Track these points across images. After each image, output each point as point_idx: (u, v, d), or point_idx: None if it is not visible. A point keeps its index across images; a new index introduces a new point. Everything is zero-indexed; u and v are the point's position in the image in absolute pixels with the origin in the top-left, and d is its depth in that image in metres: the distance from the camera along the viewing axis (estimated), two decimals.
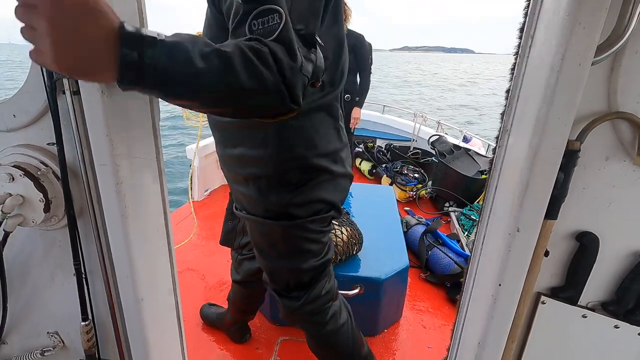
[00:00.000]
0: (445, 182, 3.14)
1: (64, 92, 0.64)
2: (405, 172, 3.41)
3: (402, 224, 2.53)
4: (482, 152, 3.44)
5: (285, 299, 1.08)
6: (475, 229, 2.52)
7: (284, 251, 1.00)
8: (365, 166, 4.01)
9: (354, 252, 1.69)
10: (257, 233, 1.02)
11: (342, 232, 1.63)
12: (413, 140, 4.27)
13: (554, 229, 0.61)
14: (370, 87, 3.17)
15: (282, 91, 0.59)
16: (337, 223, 1.66)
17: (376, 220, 2.12)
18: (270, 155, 0.88)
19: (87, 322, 0.83)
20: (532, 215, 0.56)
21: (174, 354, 0.88)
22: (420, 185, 3.36)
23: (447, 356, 0.85)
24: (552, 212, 0.59)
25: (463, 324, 0.74)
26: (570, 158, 0.56)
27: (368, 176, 3.98)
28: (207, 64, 0.51)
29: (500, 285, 0.60)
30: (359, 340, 1.24)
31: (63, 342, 0.92)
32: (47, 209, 0.71)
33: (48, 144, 0.69)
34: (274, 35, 0.58)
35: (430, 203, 3.43)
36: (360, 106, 3.12)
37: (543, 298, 0.68)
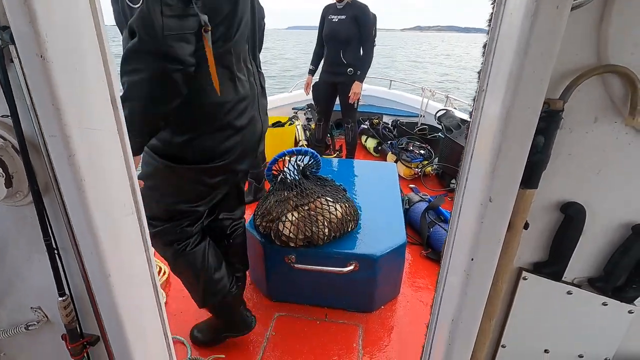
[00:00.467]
0: (452, 158, 3.04)
1: (12, 60, 0.61)
2: (411, 148, 3.32)
3: (404, 201, 2.48)
4: None
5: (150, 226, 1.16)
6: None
7: (161, 186, 1.15)
8: (371, 143, 3.92)
9: (349, 229, 1.66)
10: (151, 167, 1.14)
11: (335, 209, 1.59)
12: (420, 116, 4.14)
13: (534, 199, 0.55)
14: (372, 60, 3.05)
15: (162, 70, 0.87)
16: (331, 200, 1.63)
17: (376, 197, 2.07)
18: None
19: (64, 298, 0.82)
20: (505, 183, 0.50)
21: (153, 330, 0.88)
22: (426, 162, 3.27)
23: (427, 332, 0.82)
24: (530, 180, 0.53)
25: (440, 301, 0.71)
26: (551, 119, 0.50)
27: (374, 153, 3.90)
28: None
29: (472, 260, 0.56)
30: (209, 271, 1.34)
31: (47, 317, 0.93)
32: (8, 184, 0.69)
33: (2, 116, 0.67)
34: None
35: (436, 180, 3.35)
36: (361, 80, 3.01)
37: (525, 274, 0.64)
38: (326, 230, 1.56)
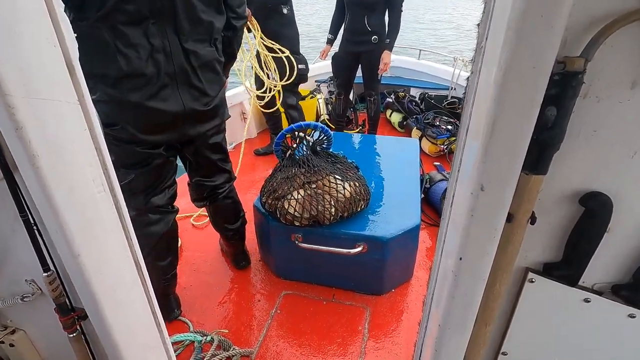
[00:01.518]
0: None
1: None
2: (437, 123, 3.11)
3: (425, 180, 2.34)
4: None
5: None
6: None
7: None
8: (396, 118, 3.73)
9: (359, 209, 1.57)
10: None
11: (344, 188, 1.50)
12: (451, 88, 3.86)
13: (542, 187, 0.44)
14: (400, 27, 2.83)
15: None
16: (340, 178, 1.54)
17: (393, 175, 1.95)
18: None
19: (48, 274, 0.81)
20: (501, 167, 0.40)
21: (135, 307, 0.86)
22: (453, 138, 3.06)
23: (417, 336, 0.74)
24: (538, 164, 0.42)
25: (430, 303, 0.62)
26: (567, 84, 0.38)
27: (398, 129, 3.71)
28: None
29: (461, 259, 0.46)
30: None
31: (40, 289, 0.94)
32: None
33: None
34: None
35: None
36: (391, 49, 2.81)
37: (531, 275, 0.53)
38: (333, 209, 1.48)
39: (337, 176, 1.55)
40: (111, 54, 1.07)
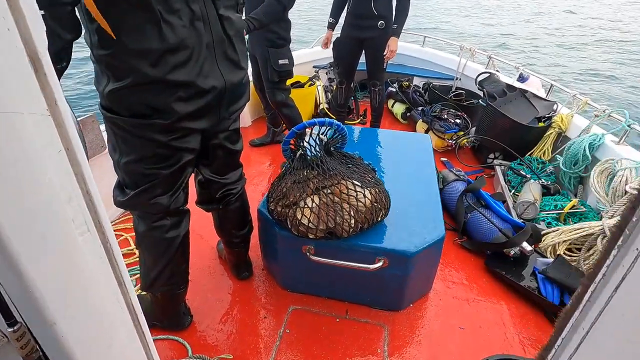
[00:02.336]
0: (493, 129, 2.68)
1: None
2: (445, 116, 2.95)
3: (438, 180, 2.19)
4: (542, 93, 2.88)
5: (120, 194, 1.12)
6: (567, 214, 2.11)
7: (115, 143, 1.05)
8: (399, 109, 3.55)
9: (379, 219, 1.41)
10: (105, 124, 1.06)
11: (364, 196, 1.33)
12: (456, 78, 3.69)
13: None
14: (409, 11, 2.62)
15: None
16: (359, 184, 1.37)
17: (408, 177, 1.79)
18: None
19: (15, 328, 0.62)
20: None
21: None
22: (462, 133, 2.92)
23: None
24: None
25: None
26: None
27: (401, 120, 3.54)
28: None
29: None
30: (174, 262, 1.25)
31: (7, 337, 0.75)
32: None
33: None
34: None
35: (470, 154, 3.01)
36: (398, 35, 2.61)
37: None
38: (352, 221, 1.31)
39: (355, 182, 1.38)
40: (154, 22, 0.88)
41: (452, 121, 2.91)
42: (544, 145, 2.55)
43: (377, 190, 1.40)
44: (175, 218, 1.18)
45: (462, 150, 2.98)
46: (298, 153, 1.48)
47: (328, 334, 1.42)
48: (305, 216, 1.31)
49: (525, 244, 1.69)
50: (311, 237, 1.33)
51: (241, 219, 1.48)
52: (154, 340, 1.27)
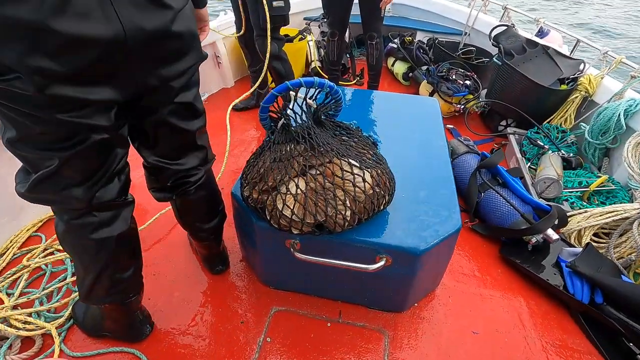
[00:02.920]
0: (508, 92, 2.34)
1: None
2: (454, 77, 2.59)
3: None
4: (565, 51, 2.51)
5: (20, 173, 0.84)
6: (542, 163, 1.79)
7: None
8: (400, 68, 3.17)
9: (381, 207, 1.12)
10: None
11: (363, 180, 1.03)
12: (465, 34, 3.28)
13: None
14: None
15: None
16: (357, 165, 1.06)
17: (415, 152, 1.49)
18: None
19: None
20: None
21: None
22: (471, 96, 2.58)
23: None
24: None
25: None
26: None
27: (402, 81, 3.17)
28: None
29: None
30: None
31: None
32: None
33: None
34: None
35: (478, 120, 2.70)
36: None
37: None
38: (348, 212, 1.02)
39: (352, 160, 1.07)
40: None
41: (462, 82, 2.56)
42: (566, 111, 2.24)
43: (379, 171, 1.10)
44: (105, 214, 0.87)
45: (469, 117, 2.65)
46: (280, 123, 1.17)
47: (317, 343, 1.19)
48: (288, 206, 1.02)
49: (550, 231, 1.43)
50: (295, 232, 1.05)
51: (207, 209, 1.19)
52: (102, 353, 0.99)
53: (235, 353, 1.15)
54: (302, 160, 1.08)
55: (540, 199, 1.72)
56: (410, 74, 3.08)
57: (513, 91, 2.31)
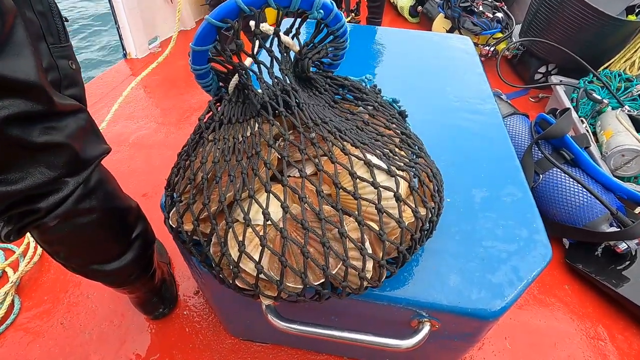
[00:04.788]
0: (554, 26, 1.77)
1: None
2: (480, 8, 1.98)
3: None
4: None
5: None
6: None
7: None
8: (406, 1, 2.51)
9: (424, 241, 0.62)
10: None
11: (395, 196, 0.52)
12: None
13: None
14: None
15: None
16: (382, 167, 0.55)
17: (453, 122, 0.96)
18: None
19: None
20: None
21: None
22: (501, 35, 2.00)
23: None
24: None
25: None
26: None
27: (409, 18, 2.53)
28: None
29: None
30: None
31: None
32: None
33: None
34: None
35: (506, 66, 2.14)
36: None
37: None
38: (369, 264, 0.52)
39: (371, 156, 0.55)
40: None
41: (491, 16, 1.96)
42: (634, 52, 1.69)
43: (422, 174, 0.59)
44: None
45: (491, 60, 2.09)
46: (231, 82, 0.62)
47: None
48: (249, 255, 0.51)
49: None
50: (267, 299, 0.55)
51: (104, 239, 0.67)
52: None
53: None
54: (274, 156, 0.56)
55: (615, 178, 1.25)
56: (420, 8, 2.43)
57: (561, 25, 1.73)
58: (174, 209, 0.60)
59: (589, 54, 1.71)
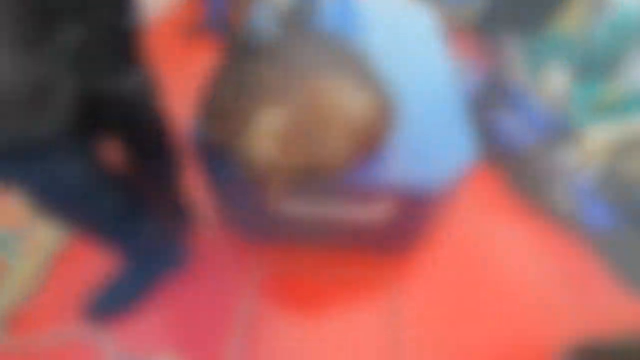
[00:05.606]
0: None
1: None
2: None
3: None
4: None
5: None
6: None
7: None
8: None
9: (382, 137, 0.87)
10: None
11: (361, 100, 0.77)
12: None
13: None
14: None
15: None
16: (349, 82, 0.79)
17: (410, 66, 1.21)
18: None
19: None
20: None
21: None
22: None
23: None
24: None
25: None
26: None
27: None
28: None
29: None
30: None
31: None
32: None
33: None
34: None
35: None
36: None
37: None
38: (344, 144, 0.77)
39: (338, 74, 0.79)
40: None
41: None
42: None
43: (372, 90, 0.84)
44: None
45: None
46: (237, 33, 0.85)
47: (317, 302, 1.02)
48: (263, 145, 0.75)
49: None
50: (277, 178, 0.80)
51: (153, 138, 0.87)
52: None
53: (215, 332, 0.96)
54: (274, 79, 0.79)
55: None
56: None
57: None
58: (207, 120, 0.83)
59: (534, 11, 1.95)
